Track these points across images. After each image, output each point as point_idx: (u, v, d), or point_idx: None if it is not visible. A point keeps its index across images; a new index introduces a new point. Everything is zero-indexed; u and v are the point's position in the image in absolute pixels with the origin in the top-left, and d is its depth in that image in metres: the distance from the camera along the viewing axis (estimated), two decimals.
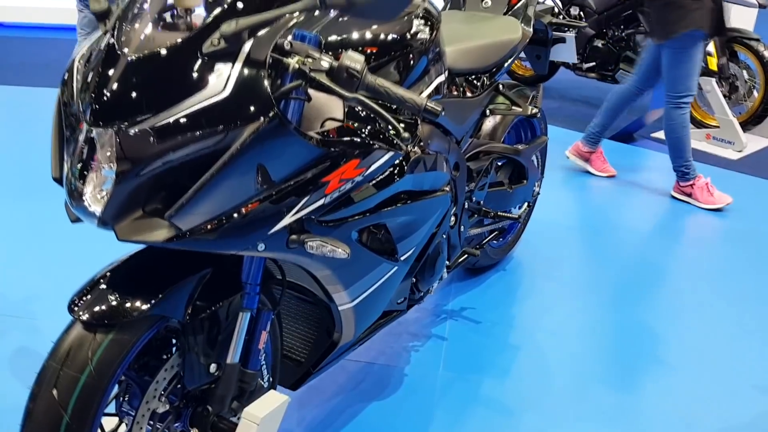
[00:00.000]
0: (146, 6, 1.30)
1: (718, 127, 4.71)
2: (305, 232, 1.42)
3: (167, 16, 1.28)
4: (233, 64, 1.24)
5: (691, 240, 3.60)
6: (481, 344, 2.52)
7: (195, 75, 1.22)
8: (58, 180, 1.37)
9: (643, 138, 4.88)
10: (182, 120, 1.20)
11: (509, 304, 2.78)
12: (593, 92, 5.59)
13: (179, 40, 1.24)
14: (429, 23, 1.63)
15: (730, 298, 2.96)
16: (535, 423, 2.16)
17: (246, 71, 1.24)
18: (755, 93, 4.78)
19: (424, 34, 1.60)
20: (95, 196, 1.23)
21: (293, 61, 1.25)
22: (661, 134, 4.24)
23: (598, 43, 5.16)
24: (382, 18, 1.34)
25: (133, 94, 1.21)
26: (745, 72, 4.78)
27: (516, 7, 2.65)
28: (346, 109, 1.37)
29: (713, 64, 4.63)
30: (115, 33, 1.28)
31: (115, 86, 1.21)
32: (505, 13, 2.65)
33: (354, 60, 1.24)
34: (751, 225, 3.65)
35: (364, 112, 1.39)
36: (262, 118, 1.22)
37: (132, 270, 1.40)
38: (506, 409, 2.21)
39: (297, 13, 1.32)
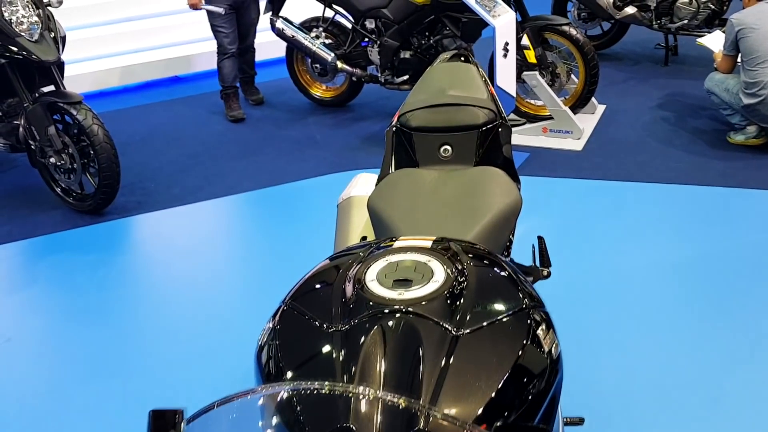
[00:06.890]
0: None
1: (552, 118, 4.55)
2: None
3: None
4: None
5: None
6: None
7: None
8: None
9: None
10: None
11: None
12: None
13: None
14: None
15: None
16: None
17: None
18: (573, 76, 4.68)
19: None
20: None
21: None
22: None
23: (406, 54, 4.82)
24: None
25: None
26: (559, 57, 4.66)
27: (486, 144, 1.83)
28: None
29: (532, 57, 4.46)
30: None
31: None
32: (476, 162, 1.88)
33: None
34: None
35: None
36: None
37: None
38: None
39: None
